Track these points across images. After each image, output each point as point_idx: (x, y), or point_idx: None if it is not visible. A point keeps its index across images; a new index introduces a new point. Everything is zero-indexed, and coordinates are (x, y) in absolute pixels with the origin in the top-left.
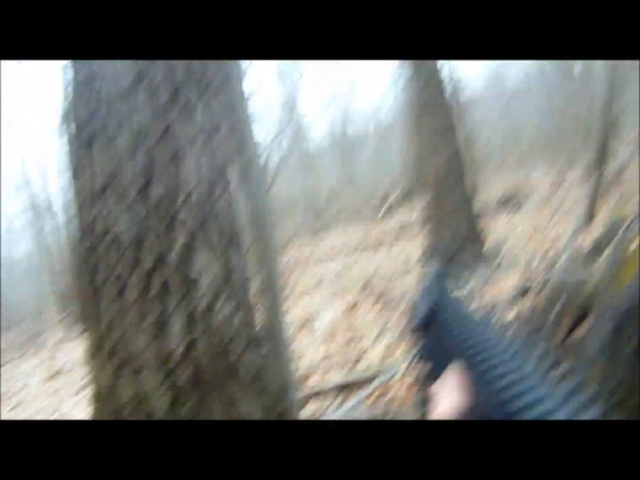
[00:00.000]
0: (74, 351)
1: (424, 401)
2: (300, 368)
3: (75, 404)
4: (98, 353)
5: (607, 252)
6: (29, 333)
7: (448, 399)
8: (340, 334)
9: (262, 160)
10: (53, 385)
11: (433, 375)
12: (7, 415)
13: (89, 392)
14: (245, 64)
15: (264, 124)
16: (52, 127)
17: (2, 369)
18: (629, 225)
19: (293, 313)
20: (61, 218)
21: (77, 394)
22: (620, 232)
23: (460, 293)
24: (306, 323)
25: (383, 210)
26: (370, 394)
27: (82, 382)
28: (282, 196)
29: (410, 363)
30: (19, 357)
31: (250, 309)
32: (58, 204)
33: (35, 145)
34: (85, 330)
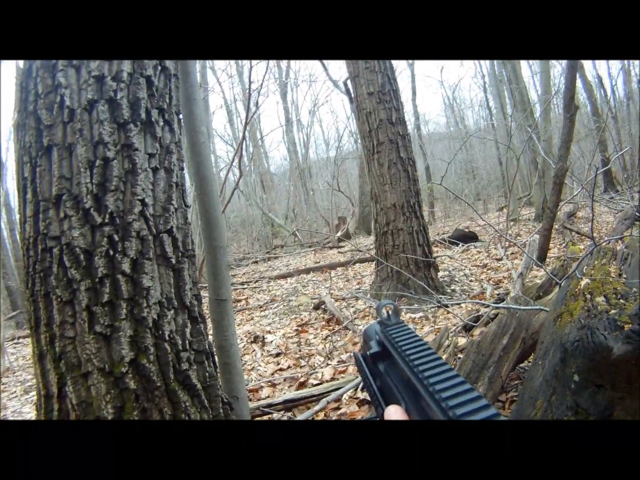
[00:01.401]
0: (22, 351)
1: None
2: (251, 382)
3: (23, 404)
4: (45, 357)
5: (558, 286)
6: None
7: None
8: (292, 351)
9: (221, 175)
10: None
11: (378, 409)
12: None
13: (35, 395)
14: (207, 83)
15: (226, 141)
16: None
17: None
18: (580, 262)
19: (245, 328)
20: (16, 215)
21: (25, 393)
22: (572, 267)
23: (411, 321)
24: (258, 339)
25: (339, 233)
26: (322, 409)
27: (30, 383)
28: (239, 214)
29: (359, 385)
30: None
31: (201, 321)
32: (14, 200)
33: None
34: (33, 333)
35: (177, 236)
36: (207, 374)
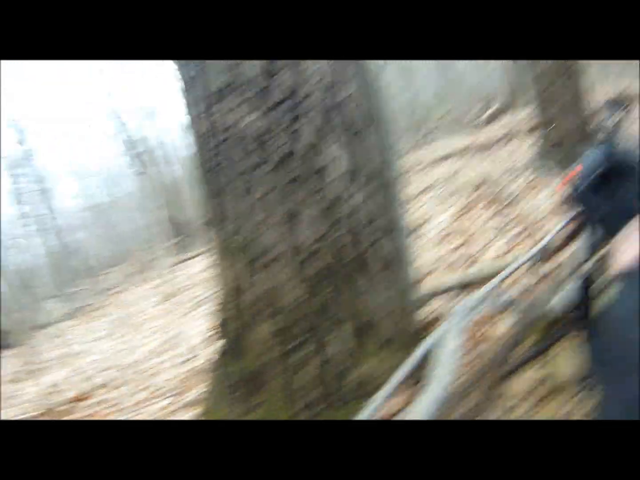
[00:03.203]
0: (187, 273)
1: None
2: (416, 270)
3: (190, 320)
4: (227, 251)
5: None
6: (142, 261)
7: (630, 251)
8: (453, 237)
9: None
10: (167, 307)
11: (604, 238)
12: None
13: (214, 296)
14: None
15: None
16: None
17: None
18: None
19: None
20: (169, 149)
21: (194, 310)
22: None
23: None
24: (418, 227)
25: (486, 115)
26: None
27: (197, 301)
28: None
29: (533, 257)
30: (132, 285)
31: (378, 199)
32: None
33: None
34: (213, 230)
35: (347, 116)
36: (384, 255)
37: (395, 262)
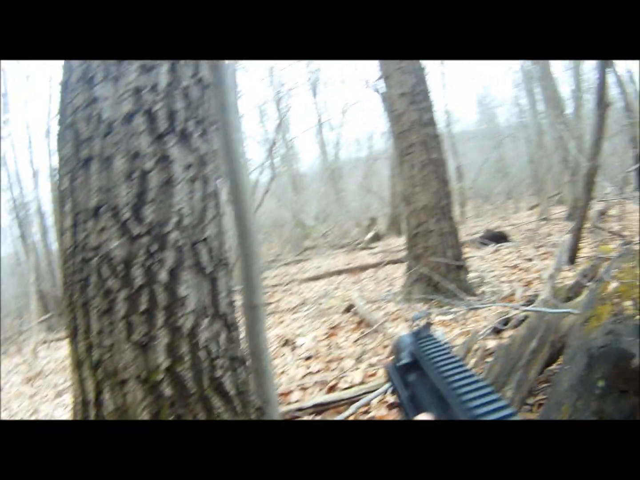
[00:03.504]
0: (54, 354)
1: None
2: (282, 386)
3: (55, 407)
4: (83, 365)
5: (587, 289)
6: (11, 332)
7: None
8: (322, 354)
9: (252, 178)
10: (33, 386)
11: (409, 416)
12: None
13: (71, 400)
14: (240, 87)
15: (257, 143)
16: (44, 128)
17: None
18: (610, 264)
19: (276, 331)
20: (50, 219)
21: (58, 397)
22: (602, 269)
23: (441, 323)
24: (288, 342)
25: (370, 235)
26: (353, 413)
27: (62, 386)
28: (270, 215)
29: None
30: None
31: (235, 328)
32: (47, 206)
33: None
34: (71, 341)
35: (213, 245)
36: (240, 381)
37: (254, 384)
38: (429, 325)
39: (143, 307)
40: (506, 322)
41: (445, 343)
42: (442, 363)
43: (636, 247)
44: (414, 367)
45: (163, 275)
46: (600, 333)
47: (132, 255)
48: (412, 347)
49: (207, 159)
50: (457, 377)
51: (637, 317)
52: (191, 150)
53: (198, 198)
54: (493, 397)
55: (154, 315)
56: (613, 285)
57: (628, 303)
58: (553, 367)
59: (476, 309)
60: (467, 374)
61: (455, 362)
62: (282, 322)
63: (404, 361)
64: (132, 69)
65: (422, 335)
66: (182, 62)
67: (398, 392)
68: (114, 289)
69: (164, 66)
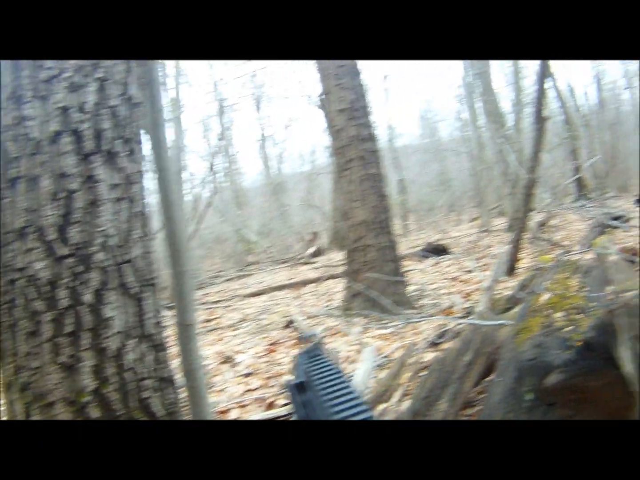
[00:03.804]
0: None
1: None
2: (221, 403)
3: None
4: (12, 387)
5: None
6: None
7: None
8: (262, 371)
9: (195, 193)
10: None
11: None
12: None
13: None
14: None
15: (200, 158)
16: None
17: None
18: (544, 275)
19: (215, 348)
20: None
21: None
22: (536, 281)
23: (380, 337)
24: (228, 359)
25: (312, 249)
26: None
27: None
28: (213, 230)
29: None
30: None
31: (163, 348)
32: None
33: None
34: (1, 363)
35: (139, 265)
36: (168, 402)
37: (187, 404)
38: (318, 344)
39: (69, 328)
40: (443, 335)
41: (331, 360)
42: (322, 381)
43: (570, 258)
44: (309, 386)
45: (88, 297)
46: (529, 345)
47: (57, 276)
48: (304, 366)
49: (133, 179)
50: (330, 388)
51: (565, 329)
52: (118, 170)
53: (124, 218)
54: (356, 402)
55: (80, 336)
56: (546, 296)
57: (559, 314)
58: (490, 378)
59: (414, 322)
60: (341, 385)
61: (334, 376)
62: (222, 339)
63: (296, 380)
64: (60, 87)
65: (312, 354)
66: (110, 80)
67: (295, 411)
68: (39, 310)
69: (91, 85)
